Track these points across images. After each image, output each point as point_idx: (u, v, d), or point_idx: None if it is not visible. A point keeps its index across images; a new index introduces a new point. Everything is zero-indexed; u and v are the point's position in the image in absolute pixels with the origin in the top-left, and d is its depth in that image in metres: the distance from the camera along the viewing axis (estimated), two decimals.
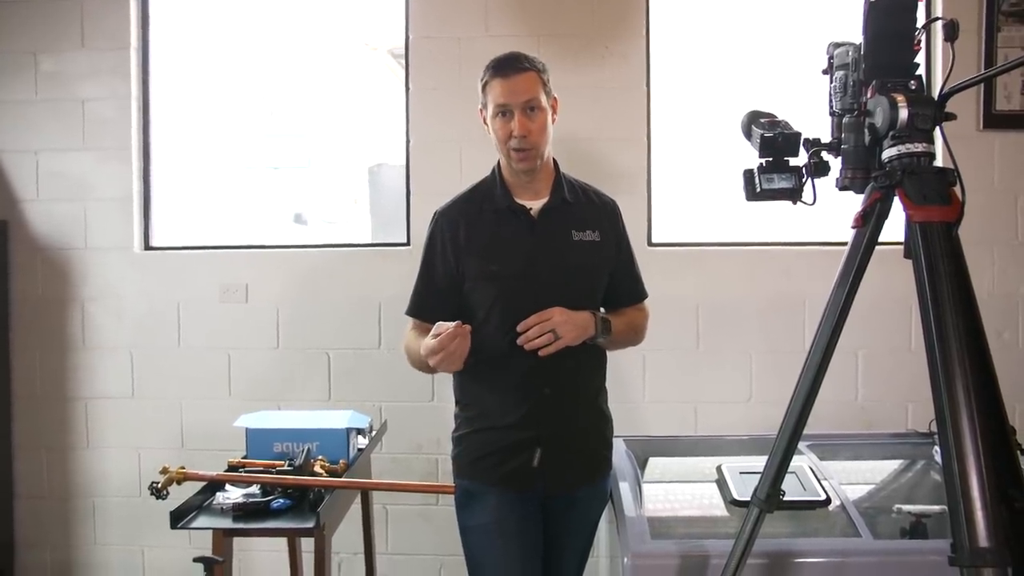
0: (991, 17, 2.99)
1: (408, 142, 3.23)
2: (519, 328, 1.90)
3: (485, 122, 2.04)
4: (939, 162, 1.41)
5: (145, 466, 3.24)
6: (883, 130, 1.36)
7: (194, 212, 3.50)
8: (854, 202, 1.49)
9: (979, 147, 3.05)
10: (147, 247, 3.35)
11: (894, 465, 2.48)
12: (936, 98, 1.36)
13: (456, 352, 1.82)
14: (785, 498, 1.59)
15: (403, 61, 3.27)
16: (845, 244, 1.50)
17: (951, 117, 1.37)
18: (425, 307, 2.04)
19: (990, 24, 2.99)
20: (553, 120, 2.02)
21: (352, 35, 3.52)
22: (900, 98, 1.34)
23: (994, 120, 3.04)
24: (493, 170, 2.09)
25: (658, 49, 3.21)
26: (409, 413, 3.17)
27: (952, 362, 1.24)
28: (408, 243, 3.22)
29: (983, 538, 1.17)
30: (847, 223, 1.49)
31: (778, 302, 3.11)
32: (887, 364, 3.08)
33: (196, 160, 3.50)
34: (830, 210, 1.61)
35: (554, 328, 1.89)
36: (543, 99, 1.97)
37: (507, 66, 1.96)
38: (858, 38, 1.46)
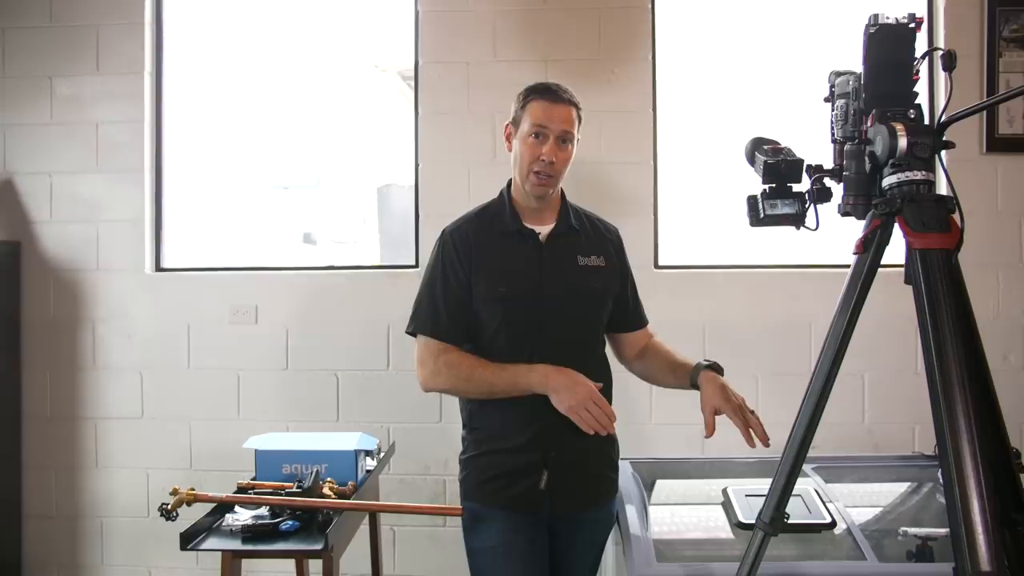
0: (992, 43, 3.03)
1: (417, 165, 3.27)
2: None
3: (508, 139, 2.06)
4: (941, 189, 1.43)
5: (154, 487, 3.27)
6: (883, 158, 1.38)
7: (205, 233, 3.54)
8: (860, 223, 1.50)
9: (982, 171, 3.08)
10: (158, 268, 3.39)
11: (900, 488, 2.47)
12: (935, 127, 1.38)
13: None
14: (790, 521, 1.59)
15: (412, 83, 3.31)
16: (850, 267, 1.52)
17: (950, 145, 1.40)
18: (445, 325, 2.00)
19: (991, 50, 3.03)
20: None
21: (362, 57, 3.57)
22: (899, 127, 1.36)
23: (997, 144, 3.07)
24: (502, 193, 2.11)
25: (664, 73, 3.25)
26: (417, 434, 3.19)
27: (952, 388, 1.25)
28: (417, 265, 3.24)
29: (985, 562, 1.18)
30: (852, 245, 1.51)
31: (784, 324, 3.13)
32: (893, 386, 3.09)
33: (208, 181, 3.55)
34: (837, 233, 1.63)
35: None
36: (575, 136, 2.02)
37: (553, 92, 2.00)
38: (859, 67, 1.50)
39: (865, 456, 2.77)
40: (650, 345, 2.19)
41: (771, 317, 3.14)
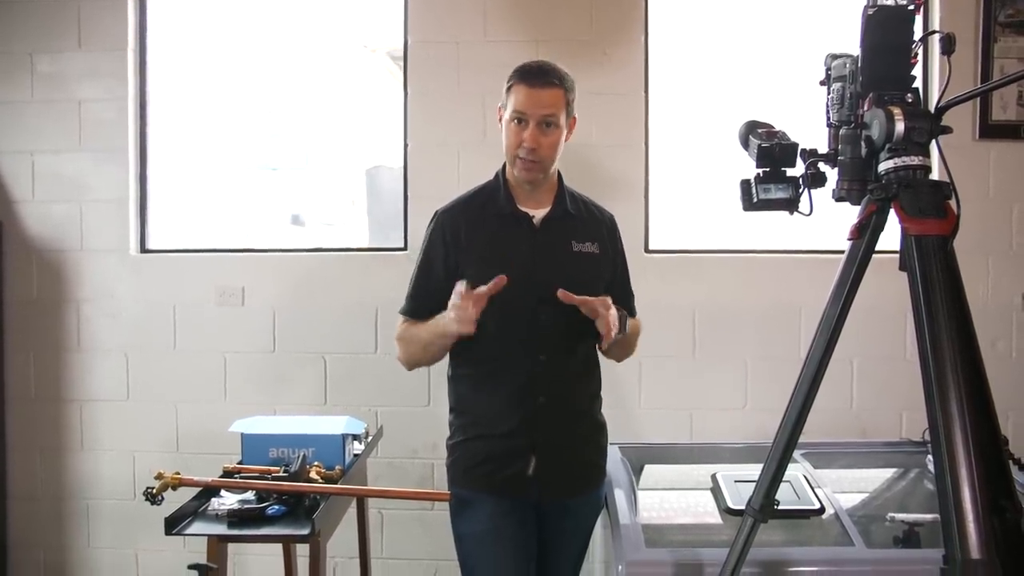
0: (988, 28, 3.01)
1: (406, 146, 3.23)
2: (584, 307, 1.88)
3: (501, 122, 2.02)
4: (936, 174, 1.41)
5: (140, 469, 3.24)
6: (879, 143, 1.36)
7: (191, 214, 3.49)
8: (853, 209, 1.48)
9: (975, 157, 3.06)
10: (143, 249, 3.35)
11: (888, 474, 2.49)
12: (932, 111, 1.36)
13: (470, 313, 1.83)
14: (779, 507, 1.59)
15: (402, 63, 3.26)
16: (842, 252, 1.50)
17: (947, 130, 1.37)
18: (423, 309, 2.01)
19: (987, 35, 3.00)
20: (567, 138, 2.01)
21: (351, 37, 3.52)
22: (897, 111, 1.34)
23: (990, 130, 3.05)
24: (497, 174, 2.08)
25: (657, 55, 3.21)
26: (405, 418, 3.17)
27: (946, 376, 1.24)
28: (405, 247, 3.21)
29: (975, 550, 1.17)
30: (845, 231, 1.49)
31: (775, 309, 3.12)
32: (882, 372, 3.09)
33: (194, 161, 3.50)
34: (829, 218, 1.61)
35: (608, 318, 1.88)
36: (562, 118, 1.95)
37: (536, 76, 1.94)
38: (856, 49, 1.47)
39: (853, 442, 2.79)
40: None
41: (762, 302, 3.13)
